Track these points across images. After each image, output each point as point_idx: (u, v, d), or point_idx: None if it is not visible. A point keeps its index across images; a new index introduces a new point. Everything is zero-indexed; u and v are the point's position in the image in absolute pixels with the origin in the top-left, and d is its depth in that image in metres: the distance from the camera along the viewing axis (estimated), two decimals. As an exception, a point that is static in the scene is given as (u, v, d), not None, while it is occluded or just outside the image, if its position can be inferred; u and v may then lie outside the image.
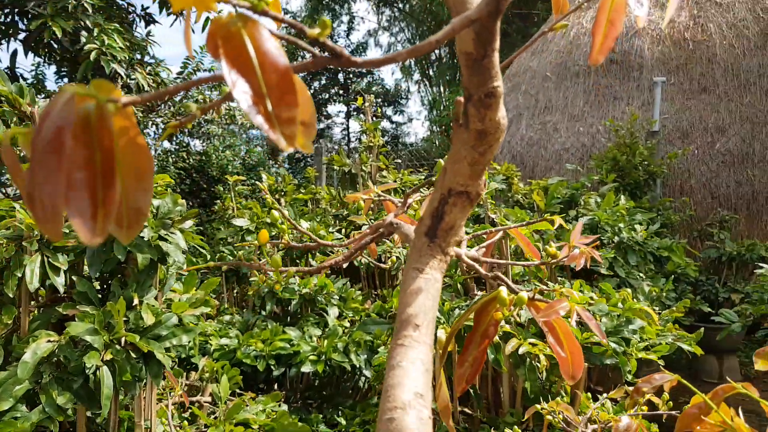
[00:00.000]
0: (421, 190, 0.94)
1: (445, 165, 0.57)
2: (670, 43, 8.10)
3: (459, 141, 0.54)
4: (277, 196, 4.05)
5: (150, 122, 11.92)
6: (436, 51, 19.58)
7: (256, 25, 0.37)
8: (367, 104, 5.29)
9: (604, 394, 1.24)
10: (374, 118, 5.42)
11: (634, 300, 2.32)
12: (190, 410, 2.52)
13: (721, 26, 7.91)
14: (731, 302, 5.10)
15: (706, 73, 7.67)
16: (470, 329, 0.67)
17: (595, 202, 4.68)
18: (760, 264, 3.99)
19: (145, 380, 1.86)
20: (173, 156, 12.51)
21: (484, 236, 0.86)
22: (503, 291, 0.62)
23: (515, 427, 1.35)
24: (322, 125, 20.61)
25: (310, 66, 0.40)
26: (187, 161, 12.75)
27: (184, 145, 12.75)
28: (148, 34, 7.36)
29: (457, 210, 0.57)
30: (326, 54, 0.41)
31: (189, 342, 1.94)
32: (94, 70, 5.78)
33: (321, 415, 3.33)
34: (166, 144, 13.08)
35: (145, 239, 1.87)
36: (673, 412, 0.91)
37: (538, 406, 1.33)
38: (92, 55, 5.49)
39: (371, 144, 5.17)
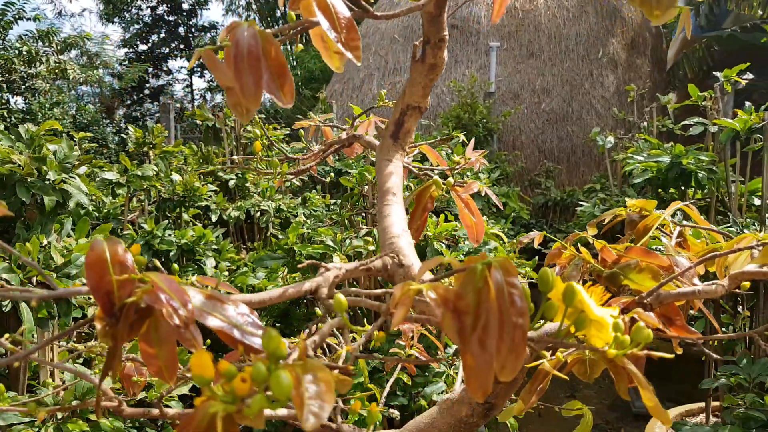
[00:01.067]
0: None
1: (404, 88, 0.84)
2: (504, 11, 8.87)
3: (416, 71, 0.81)
4: (145, 149, 4.02)
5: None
6: (281, 9, 19.20)
7: (330, -11, 0.61)
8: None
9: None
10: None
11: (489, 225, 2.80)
12: (83, 357, 2.57)
13: (545, -3, 8.82)
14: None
15: (534, 40, 8.56)
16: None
17: (446, 154, 5.19)
18: (580, 201, 4.77)
19: (56, 318, 1.94)
20: (-10, 114, 11.15)
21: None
22: (437, 178, 0.91)
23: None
24: (162, 81, 19.47)
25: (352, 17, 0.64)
26: (8, 120, 11.42)
27: (4, 102, 11.42)
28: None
29: (412, 120, 0.85)
30: (358, 9, 0.66)
31: (96, 281, 2.02)
32: None
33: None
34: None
35: (48, 182, 1.91)
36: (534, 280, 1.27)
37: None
38: None
39: (234, 99, 5.19)
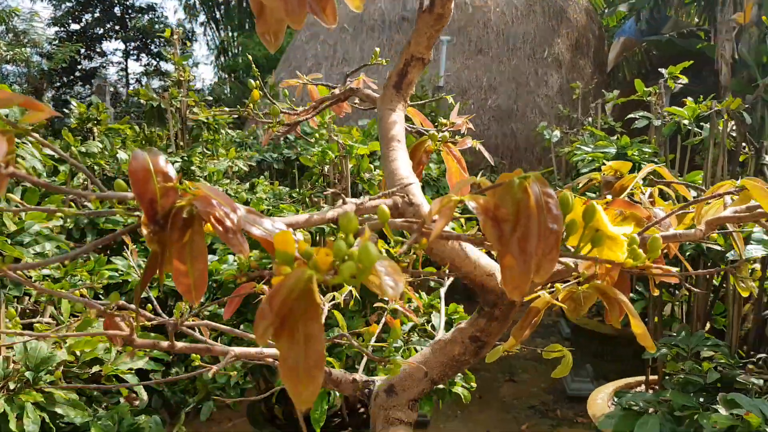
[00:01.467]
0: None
1: (410, 39, 0.87)
2: (453, 6, 9.00)
3: (422, 22, 0.84)
4: (90, 125, 3.86)
5: None
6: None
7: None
8: (175, 37, 5.16)
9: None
10: (183, 53, 5.31)
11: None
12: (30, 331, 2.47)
13: (494, -5, 9.01)
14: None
15: (482, 36, 8.74)
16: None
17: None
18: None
19: (8, 287, 1.86)
20: None
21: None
22: (433, 132, 0.94)
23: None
24: (95, 63, 18.64)
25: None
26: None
27: None
28: None
29: (415, 71, 0.88)
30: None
31: (51, 249, 1.96)
32: None
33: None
34: None
35: (2, 145, 1.83)
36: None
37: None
38: None
39: (181, 79, 5.09)
